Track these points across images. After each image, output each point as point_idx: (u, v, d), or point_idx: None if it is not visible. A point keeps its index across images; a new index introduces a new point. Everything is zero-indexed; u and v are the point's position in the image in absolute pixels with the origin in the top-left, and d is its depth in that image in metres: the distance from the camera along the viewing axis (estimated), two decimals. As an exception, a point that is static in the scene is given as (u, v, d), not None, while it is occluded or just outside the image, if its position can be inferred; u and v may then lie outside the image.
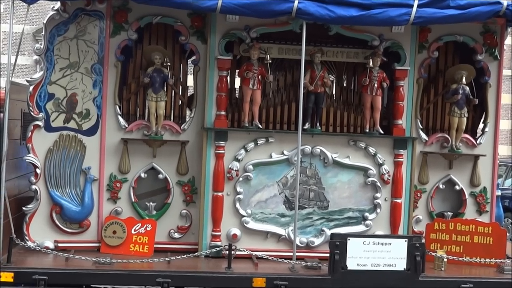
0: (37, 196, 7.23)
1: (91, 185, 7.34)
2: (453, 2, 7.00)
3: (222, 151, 7.38)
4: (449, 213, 7.93)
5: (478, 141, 7.93)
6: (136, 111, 7.59)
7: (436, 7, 6.99)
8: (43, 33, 7.29)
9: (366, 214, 7.60)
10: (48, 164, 7.25)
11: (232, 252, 6.77)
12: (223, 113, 7.40)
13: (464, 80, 7.68)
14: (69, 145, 7.31)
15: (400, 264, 6.70)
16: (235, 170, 7.41)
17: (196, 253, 7.15)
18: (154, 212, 7.50)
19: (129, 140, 7.41)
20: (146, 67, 7.45)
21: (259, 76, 7.41)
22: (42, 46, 7.21)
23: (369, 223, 7.57)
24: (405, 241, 6.74)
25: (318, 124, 7.59)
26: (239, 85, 7.71)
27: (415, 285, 6.70)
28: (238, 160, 7.41)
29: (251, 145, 7.43)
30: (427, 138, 7.84)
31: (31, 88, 7.20)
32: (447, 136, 7.85)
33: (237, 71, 7.80)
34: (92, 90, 7.34)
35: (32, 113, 7.23)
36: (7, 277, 6.35)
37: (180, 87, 7.70)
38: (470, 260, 7.18)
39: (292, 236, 7.21)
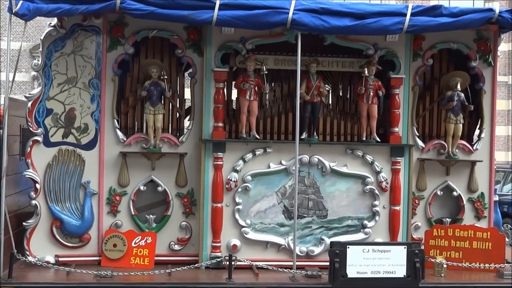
0: (37, 211, 7.25)
1: (91, 199, 7.36)
2: (445, 10, 7.09)
3: (221, 162, 7.42)
4: (447, 219, 7.96)
5: (474, 147, 7.97)
6: (134, 125, 7.63)
7: (429, 15, 7.07)
8: (40, 49, 7.34)
9: (365, 222, 7.63)
10: (47, 179, 7.28)
11: (233, 263, 6.79)
12: (220, 124, 7.44)
13: (459, 86, 7.74)
14: (68, 160, 7.34)
15: (400, 271, 6.72)
16: (234, 181, 7.44)
17: (196, 265, 7.16)
18: (154, 225, 7.53)
19: (127, 153, 7.45)
20: (143, 81, 7.50)
21: (256, 87, 7.46)
22: (39, 62, 7.26)
23: (368, 231, 7.60)
24: (405, 248, 6.77)
25: (315, 133, 7.64)
26: (236, 96, 7.76)
27: (416, 291, 6.73)
28: (236, 171, 7.45)
29: (249, 155, 7.47)
30: (423, 145, 7.88)
31: (29, 104, 7.24)
32: (443, 142, 7.90)
33: (233, 82, 7.86)
34: (90, 105, 7.38)
35: (31, 129, 7.26)
36: (9, 292, 6.39)
37: (178, 99, 7.75)
38: (469, 265, 7.20)
39: (292, 245, 7.24)
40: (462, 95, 7.79)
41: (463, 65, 7.95)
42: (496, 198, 8.40)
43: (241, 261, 7.05)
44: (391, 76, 7.65)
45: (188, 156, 7.53)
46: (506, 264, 7.28)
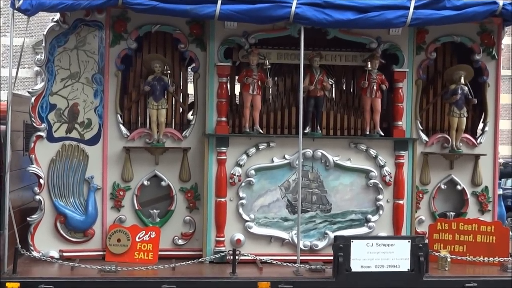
0: (41, 206, 7.27)
1: (95, 194, 7.38)
2: (449, 3, 7.07)
3: (224, 157, 7.42)
4: (451, 213, 7.95)
5: (478, 141, 7.96)
6: (137, 120, 7.64)
7: (433, 8, 7.05)
8: (43, 44, 7.35)
9: (369, 216, 7.63)
10: (51, 174, 7.30)
11: (237, 257, 6.80)
12: (224, 119, 7.44)
13: (462, 80, 7.72)
14: (71, 155, 7.35)
15: (404, 265, 6.71)
16: (237, 176, 7.44)
17: (200, 259, 7.17)
18: (158, 219, 7.54)
19: (131, 148, 7.45)
20: (146, 76, 7.50)
21: (259, 82, 7.46)
22: (42, 58, 7.27)
23: (372, 225, 7.60)
24: (408, 241, 6.77)
25: (318, 127, 7.64)
26: (239, 91, 7.76)
27: (419, 285, 6.71)
28: (240, 166, 7.45)
29: (253, 150, 7.47)
30: (427, 139, 7.87)
31: (33, 99, 7.25)
32: (447, 136, 7.89)
33: (236, 77, 7.85)
34: (93, 100, 7.39)
35: (34, 124, 7.27)
36: (14, 287, 6.39)
37: (181, 94, 7.75)
38: (473, 259, 7.20)
39: (295, 239, 7.24)
40: (466, 88, 7.77)
41: (466, 59, 7.92)
42: (500, 191, 8.39)
43: (245, 255, 7.06)
44: (395, 69, 7.63)
45: (191, 150, 7.53)
46: (510, 258, 7.28)
